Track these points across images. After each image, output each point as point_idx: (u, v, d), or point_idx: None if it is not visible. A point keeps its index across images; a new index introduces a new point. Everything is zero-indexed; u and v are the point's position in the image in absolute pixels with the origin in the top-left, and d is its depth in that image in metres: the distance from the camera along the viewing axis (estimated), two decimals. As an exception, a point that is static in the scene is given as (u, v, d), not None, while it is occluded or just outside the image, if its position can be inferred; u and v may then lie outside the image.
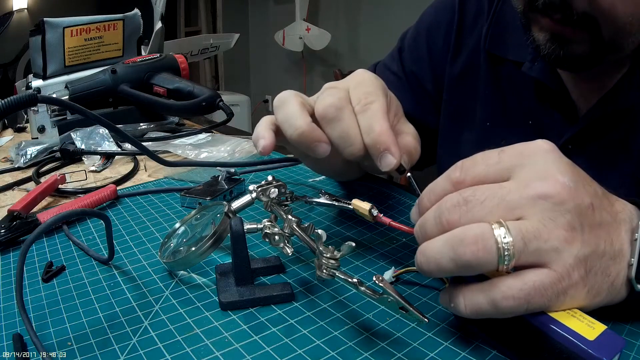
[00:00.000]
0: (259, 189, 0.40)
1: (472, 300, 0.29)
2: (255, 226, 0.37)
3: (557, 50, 0.43)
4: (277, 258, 0.41)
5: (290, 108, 0.39)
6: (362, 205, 0.37)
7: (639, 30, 0.41)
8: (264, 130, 0.40)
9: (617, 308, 0.30)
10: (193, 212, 0.44)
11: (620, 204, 0.31)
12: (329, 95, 0.39)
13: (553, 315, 0.28)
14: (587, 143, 0.49)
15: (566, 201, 0.27)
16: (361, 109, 0.38)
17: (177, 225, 0.43)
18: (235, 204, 0.40)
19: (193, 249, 0.38)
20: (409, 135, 0.44)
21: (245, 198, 0.40)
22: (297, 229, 0.36)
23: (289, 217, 0.37)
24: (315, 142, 0.38)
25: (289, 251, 0.36)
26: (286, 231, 0.37)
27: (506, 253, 0.27)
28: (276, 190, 0.39)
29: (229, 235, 0.37)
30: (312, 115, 0.39)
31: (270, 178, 0.41)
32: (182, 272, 0.40)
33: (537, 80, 0.53)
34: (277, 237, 0.37)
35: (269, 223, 0.37)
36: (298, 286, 0.38)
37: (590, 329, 0.27)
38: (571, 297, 0.28)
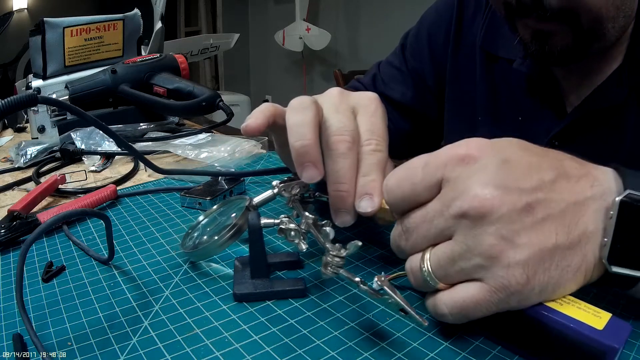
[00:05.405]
0: (282, 184, 0.40)
1: (428, 304, 0.31)
2: (272, 221, 0.38)
3: (542, 46, 0.44)
4: (296, 254, 0.41)
5: (306, 116, 0.36)
6: (384, 206, 0.35)
7: (617, 15, 0.41)
8: (258, 112, 0.39)
9: (612, 299, 0.30)
10: (216, 205, 0.45)
11: (588, 180, 0.28)
12: (340, 122, 0.38)
13: (559, 309, 0.28)
14: (574, 140, 0.50)
15: (488, 214, 0.26)
16: (369, 152, 0.38)
17: (201, 217, 0.44)
18: (257, 199, 0.41)
19: (215, 237, 0.39)
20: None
21: (267, 193, 0.41)
22: (312, 226, 0.36)
23: (306, 213, 0.37)
24: (309, 163, 0.36)
25: (303, 247, 0.37)
26: (302, 227, 0.37)
27: (429, 280, 0.29)
28: (299, 186, 0.40)
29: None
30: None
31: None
32: (182, 272, 0.40)
33: (528, 76, 0.53)
34: (292, 233, 0.37)
35: (286, 219, 0.37)
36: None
37: (597, 318, 0.27)
38: (519, 302, 0.27)
